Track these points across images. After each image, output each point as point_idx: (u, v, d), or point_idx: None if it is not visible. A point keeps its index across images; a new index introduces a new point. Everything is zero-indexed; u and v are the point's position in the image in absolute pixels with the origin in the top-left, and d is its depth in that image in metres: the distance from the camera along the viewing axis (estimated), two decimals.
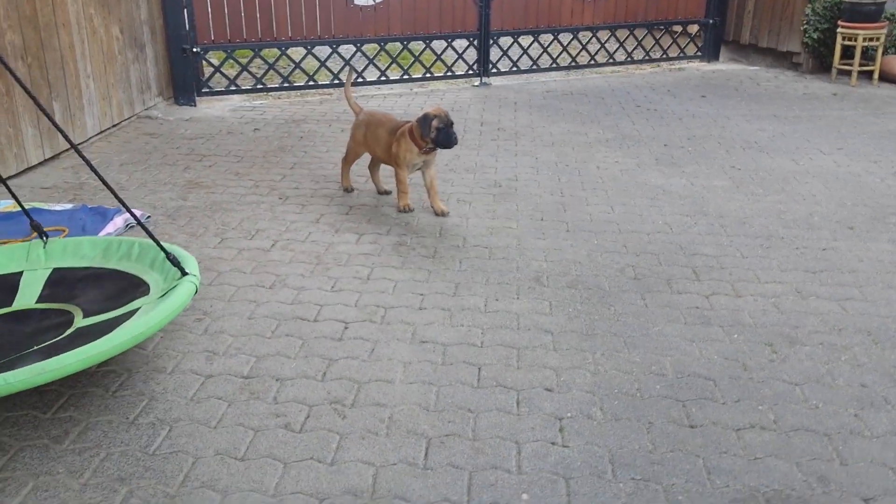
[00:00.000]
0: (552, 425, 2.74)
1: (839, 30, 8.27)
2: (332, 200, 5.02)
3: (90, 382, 2.97)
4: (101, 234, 4.32)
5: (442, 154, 5.49)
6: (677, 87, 8.52)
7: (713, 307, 3.61)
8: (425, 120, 4.50)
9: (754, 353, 3.22)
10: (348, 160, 5.16)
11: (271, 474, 2.49)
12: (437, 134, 4.49)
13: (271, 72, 8.16)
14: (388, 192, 5.10)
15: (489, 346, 3.26)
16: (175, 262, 3.15)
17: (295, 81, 8.19)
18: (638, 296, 3.72)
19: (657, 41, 9.55)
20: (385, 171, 5.11)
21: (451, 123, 4.54)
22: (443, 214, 4.74)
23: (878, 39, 8.19)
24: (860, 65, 8.34)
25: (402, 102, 7.73)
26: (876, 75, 8.42)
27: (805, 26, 8.69)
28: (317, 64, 8.24)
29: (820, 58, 8.91)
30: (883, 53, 8.43)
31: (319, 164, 5.78)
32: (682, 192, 5.17)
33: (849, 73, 8.45)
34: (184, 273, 3.11)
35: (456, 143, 4.58)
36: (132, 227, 4.50)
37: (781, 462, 2.56)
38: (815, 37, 8.66)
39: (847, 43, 8.31)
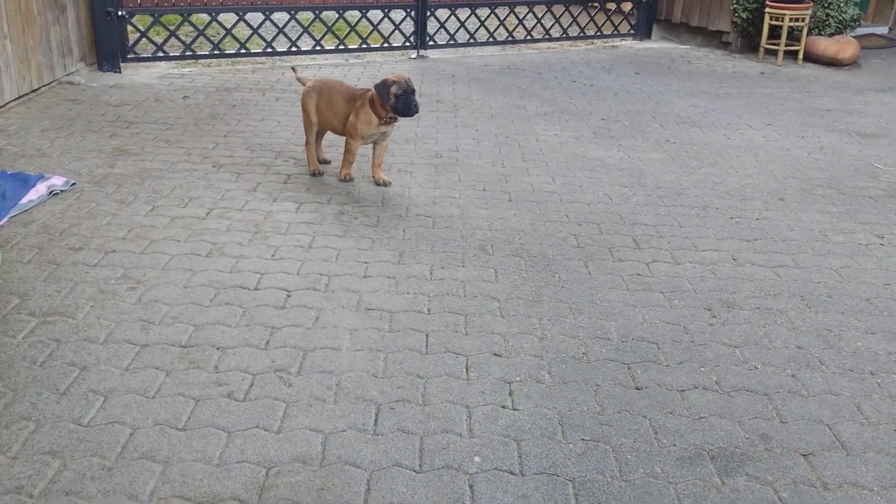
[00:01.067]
0: (502, 389, 2.73)
1: (767, 10, 8.49)
2: (268, 169, 4.87)
3: (16, 354, 2.80)
4: (24, 200, 4.08)
5: None
6: (611, 63, 8.60)
7: (654, 274, 3.66)
8: (384, 86, 4.30)
9: (694, 317, 3.28)
10: (310, 139, 4.76)
11: (215, 444, 2.40)
12: (395, 101, 4.28)
13: (201, 39, 7.86)
14: (328, 162, 4.97)
15: (436, 312, 3.23)
16: None
17: (226, 49, 7.91)
18: (581, 263, 3.74)
19: (592, 18, 9.62)
20: (329, 139, 4.98)
21: (413, 91, 4.31)
22: (385, 184, 4.66)
23: (803, 20, 8.45)
24: (786, 45, 8.59)
25: (338, 73, 7.56)
26: (801, 55, 8.69)
27: (735, 6, 8.89)
28: (249, 31, 7.98)
29: (748, 37, 9.14)
30: (807, 34, 8.71)
31: (254, 133, 5.60)
32: (620, 165, 5.23)
33: (775, 52, 8.69)
34: None
35: (416, 112, 4.36)
36: (55, 193, 4.27)
37: (725, 421, 2.62)
38: (745, 17, 8.88)
39: (774, 23, 8.54)
